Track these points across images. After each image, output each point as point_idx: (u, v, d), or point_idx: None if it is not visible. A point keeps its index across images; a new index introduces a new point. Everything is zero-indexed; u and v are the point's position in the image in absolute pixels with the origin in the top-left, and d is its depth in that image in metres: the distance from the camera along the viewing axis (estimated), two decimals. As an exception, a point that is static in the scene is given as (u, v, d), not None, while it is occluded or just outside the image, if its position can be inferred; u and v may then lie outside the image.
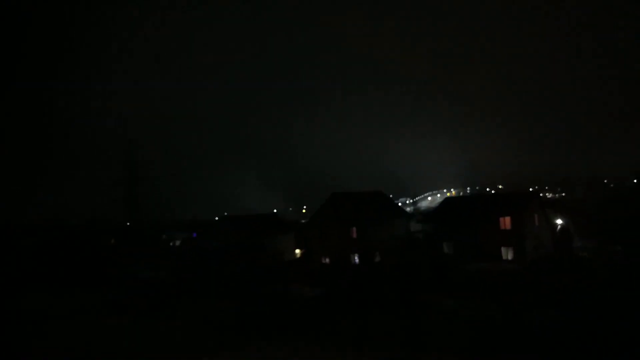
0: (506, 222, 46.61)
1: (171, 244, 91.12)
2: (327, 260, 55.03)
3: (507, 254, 45.98)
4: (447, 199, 61.29)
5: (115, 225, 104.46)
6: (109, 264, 62.47)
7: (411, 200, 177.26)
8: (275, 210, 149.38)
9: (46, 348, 30.34)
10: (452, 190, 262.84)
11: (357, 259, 53.11)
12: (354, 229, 53.81)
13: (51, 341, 32.12)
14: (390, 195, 78.97)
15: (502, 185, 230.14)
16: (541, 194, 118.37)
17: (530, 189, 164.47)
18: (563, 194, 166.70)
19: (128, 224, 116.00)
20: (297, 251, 68.32)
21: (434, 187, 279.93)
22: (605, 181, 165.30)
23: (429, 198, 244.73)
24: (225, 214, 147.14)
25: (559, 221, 62.15)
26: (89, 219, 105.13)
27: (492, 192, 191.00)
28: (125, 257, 67.68)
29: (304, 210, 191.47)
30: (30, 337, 33.32)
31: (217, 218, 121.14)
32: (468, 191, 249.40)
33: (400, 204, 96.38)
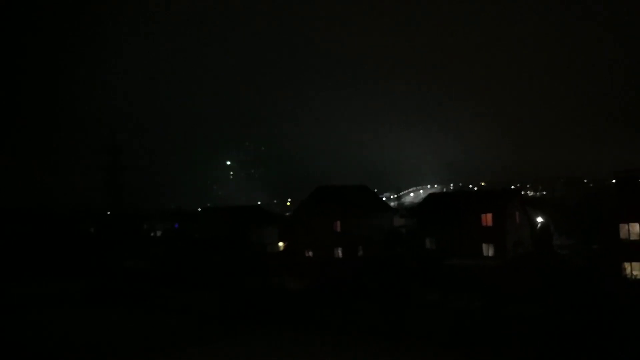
0: (487, 219, 47.18)
1: (152, 234, 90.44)
2: (311, 253, 55.19)
3: (488, 250, 46.59)
4: (430, 195, 61.83)
5: (95, 214, 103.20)
6: (90, 252, 61.78)
7: (395, 195, 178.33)
8: (259, 203, 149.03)
9: (28, 338, 30.09)
10: (435, 186, 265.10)
11: (340, 253, 53.35)
12: (338, 222, 54.02)
13: (33, 331, 31.84)
14: (375, 190, 79.33)
15: (484, 182, 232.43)
16: (522, 192, 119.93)
17: (512, 187, 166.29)
18: (544, 193, 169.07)
19: (108, 212, 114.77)
20: (281, 244, 68.36)
21: (418, 183, 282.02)
22: (585, 181, 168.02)
23: (412, 194, 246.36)
24: (209, 205, 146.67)
25: (539, 219, 63.12)
26: (69, 206, 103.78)
27: (475, 189, 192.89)
28: (106, 246, 67.03)
29: (288, 203, 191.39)
30: (12, 327, 32.98)
31: (200, 209, 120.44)
32: (451, 187, 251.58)
33: (384, 199, 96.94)
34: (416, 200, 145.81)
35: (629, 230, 35.59)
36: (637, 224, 35.21)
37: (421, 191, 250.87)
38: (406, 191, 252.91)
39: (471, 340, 25.77)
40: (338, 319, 31.16)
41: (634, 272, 34.78)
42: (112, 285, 44.96)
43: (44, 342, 28.79)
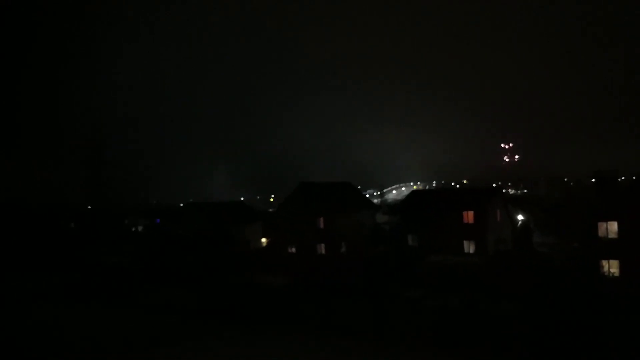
0: (469, 216, 47.57)
1: (133, 229, 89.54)
2: (294, 249, 55.09)
3: (469, 247, 46.97)
4: (413, 192, 62.12)
5: (75, 209, 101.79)
6: (70, 248, 60.94)
7: (378, 192, 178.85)
8: (242, 199, 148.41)
9: (4, 334, 29.56)
10: (418, 183, 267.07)
11: (323, 250, 53.35)
12: (322, 219, 53.95)
13: (10, 327, 31.31)
14: (359, 187, 79.47)
15: (467, 180, 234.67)
16: (504, 190, 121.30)
17: (494, 185, 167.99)
18: (525, 191, 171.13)
19: (89, 207, 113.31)
20: (264, 240, 68.16)
21: (401, 180, 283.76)
22: (566, 180, 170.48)
23: (394, 192, 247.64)
24: (191, 200, 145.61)
25: (520, 217, 63.91)
26: (50, 201, 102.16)
27: (457, 186, 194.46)
28: (87, 241, 66.20)
29: (271, 199, 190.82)
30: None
31: (182, 204, 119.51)
32: (434, 185, 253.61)
33: (367, 196, 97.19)
34: (399, 198, 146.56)
35: (607, 228, 36.14)
36: (615, 223, 35.76)
37: (403, 188, 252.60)
38: (389, 188, 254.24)
39: (452, 338, 25.99)
40: (320, 316, 31.18)
41: (612, 270, 35.38)
42: (92, 281, 44.42)
43: (20, 339, 28.31)
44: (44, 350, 26.33)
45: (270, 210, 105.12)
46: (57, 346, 26.93)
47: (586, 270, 35.67)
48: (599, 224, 36.54)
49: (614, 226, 35.92)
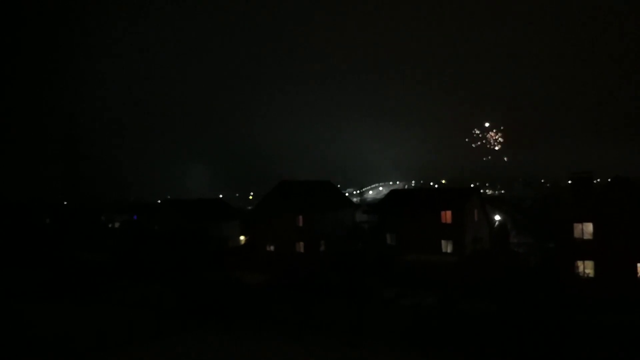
0: (447, 216, 47.85)
1: (110, 225, 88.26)
2: (273, 248, 54.78)
3: (447, 246, 47.26)
4: (392, 192, 62.27)
5: (51, 204, 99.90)
6: (44, 244, 59.67)
7: (358, 191, 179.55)
8: (220, 196, 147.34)
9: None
10: (397, 182, 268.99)
11: (302, 248, 53.15)
12: (301, 217, 53.76)
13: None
14: (338, 186, 79.48)
15: (445, 180, 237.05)
16: (481, 191, 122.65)
17: (472, 185, 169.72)
18: (502, 192, 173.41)
19: (65, 203, 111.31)
20: (242, 238, 67.67)
21: (381, 180, 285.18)
22: (542, 181, 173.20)
23: (371, 192, 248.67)
24: (168, 197, 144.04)
25: (497, 217, 64.61)
26: (24, 196, 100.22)
27: (435, 186, 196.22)
28: (62, 237, 64.89)
29: (250, 197, 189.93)
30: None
31: (159, 201, 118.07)
32: (413, 184, 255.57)
33: (347, 195, 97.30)
34: (378, 197, 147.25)
35: (582, 229, 36.60)
36: (590, 224, 36.24)
37: (380, 188, 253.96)
38: (369, 187, 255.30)
39: (428, 337, 26.04)
40: (298, 314, 30.97)
41: (586, 270, 35.86)
42: (66, 278, 43.55)
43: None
44: (16, 348, 25.64)
45: (249, 207, 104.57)
46: (30, 344, 26.27)
47: (561, 270, 36.11)
48: (575, 225, 36.98)
49: (589, 227, 36.40)
